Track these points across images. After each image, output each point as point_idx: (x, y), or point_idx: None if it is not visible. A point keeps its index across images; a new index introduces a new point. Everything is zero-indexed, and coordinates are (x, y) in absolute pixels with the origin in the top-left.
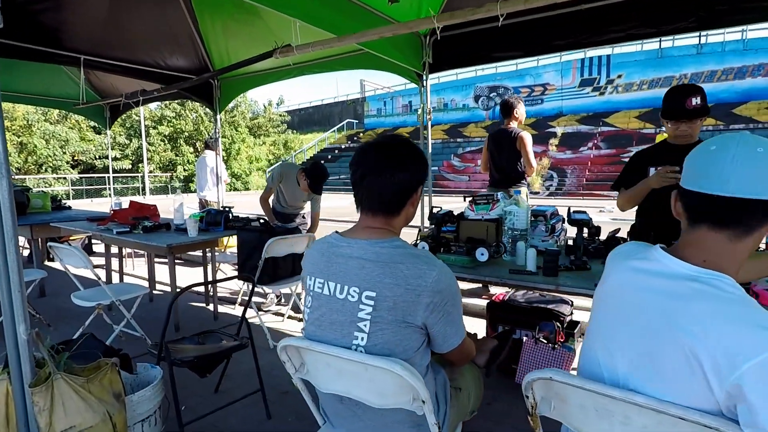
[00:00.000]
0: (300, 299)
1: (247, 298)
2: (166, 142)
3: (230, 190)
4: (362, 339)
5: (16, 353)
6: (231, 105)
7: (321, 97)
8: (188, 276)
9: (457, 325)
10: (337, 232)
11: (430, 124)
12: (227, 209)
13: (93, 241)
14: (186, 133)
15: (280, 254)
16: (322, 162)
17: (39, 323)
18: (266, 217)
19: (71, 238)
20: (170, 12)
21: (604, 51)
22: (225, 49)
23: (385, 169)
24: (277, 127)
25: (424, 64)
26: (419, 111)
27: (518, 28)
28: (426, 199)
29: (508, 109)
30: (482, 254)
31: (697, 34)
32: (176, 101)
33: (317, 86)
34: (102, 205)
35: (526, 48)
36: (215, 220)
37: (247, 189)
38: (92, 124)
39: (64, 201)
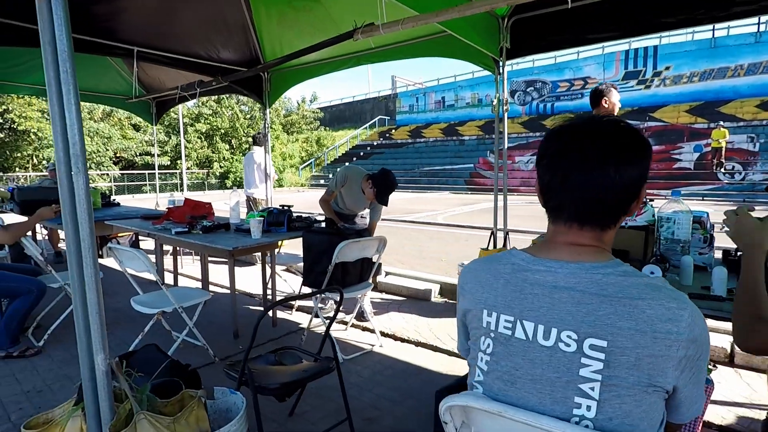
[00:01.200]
0: (367, 307)
1: (312, 305)
2: (203, 139)
3: None
4: (589, 409)
5: (93, 387)
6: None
7: (352, 93)
8: (241, 277)
9: (702, 386)
10: (521, 249)
11: (506, 116)
12: (287, 208)
13: (140, 237)
14: (222, 131)
15: (351, 258)
16: (388, 172)
17: None
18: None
19: (119, 235)
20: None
21: (650, 41)
22: (278, 39)
23: (606, 164)
24: (310, 124)
25: (501, 50)
26: (494, 102)
27: (612, 4)
28: (462, 196)
29: (596, 97)
30: (652, 274)
31: (757, 20)
32: (213, 98)
33: (348, 83)
34: (143, 201)
35: (624, 28)
36: (278, 221)
37: (281, 186)
38: (134, 121)
39: (112, 198)
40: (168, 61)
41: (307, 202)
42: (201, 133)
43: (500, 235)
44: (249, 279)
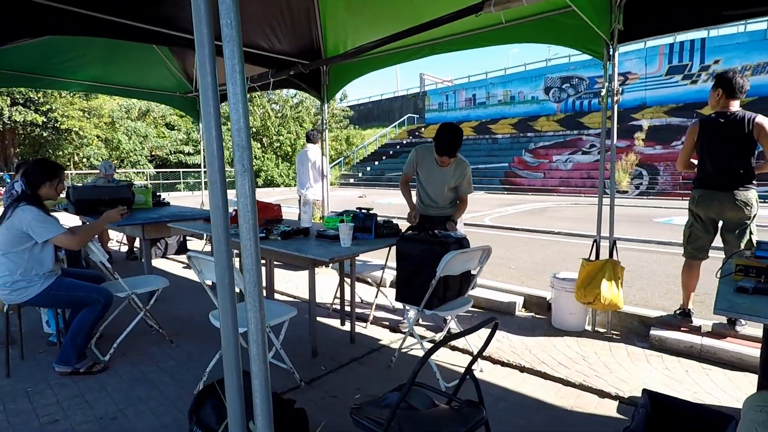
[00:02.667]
0: (453, 323)
1: (389, 318)
2: None
3: (295, 185)
4: None
5: None
6: (296, 101)
7: (380, 92)
8: (299, 284)
9: None
10: None
11: (616, 108)
12: (371, 212)
13: (187, 238)
14: (253, 129)
15: (455, 272)
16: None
17: (161, 338)
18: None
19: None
20: None
21: (698, 34)
22: (343, 26)
23: None
24: (340, 122)
25: (613, 33)
26: (603, 92)
27: None
28: (500, 196)
29: (732, 87)
30: None
31: None
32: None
33: (376, 81)
34: (178, 199)
35: None
36: (364, 226)
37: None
38: (168, 120)
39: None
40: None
41: (344, 199)
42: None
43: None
44: (304, 284)
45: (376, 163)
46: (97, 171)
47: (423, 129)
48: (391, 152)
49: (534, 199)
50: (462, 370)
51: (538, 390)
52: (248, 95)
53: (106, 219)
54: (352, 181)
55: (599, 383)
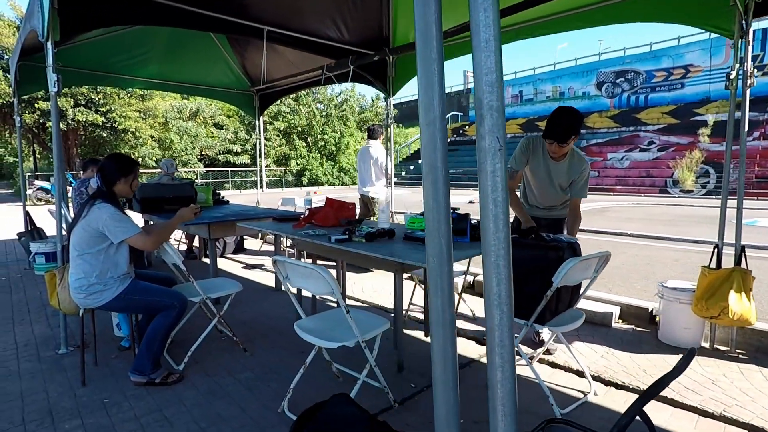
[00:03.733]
0: (547, 336)
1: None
2: (281, 137)
3: (339, 184)
4: None
5: None
6: (340, 99)
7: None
8: (363, 286)
9: None
10: None
11: (748, 94)
12: (462, 212)
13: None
14: (299, 128)
15: (572, 282)
16: None
17: (233, 345)
18: (519, 217)
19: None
20: None
21: None
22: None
23: None
24: (383, 121)
25: (748, 5)
26: (732, 74)
27: None
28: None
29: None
30: None
31: None
32: (291, 96)
33: (414, 80)
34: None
35: None
36: (458, 228)
37: (354, 184)
38: (217, 120)
39: (223, 196)
40: (293, 41)
41: (398, 199)
42: (279, 131)
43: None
44: (371, 288)
45: (419, 161)
46: (159, 170)
47: (467, 127)
48: None
49: (590, 199)
50: (570, 392)
51: (671, 421)
52: (295, 94)
53: (180, 218)
54: (396, 180)
55: (745, 415)
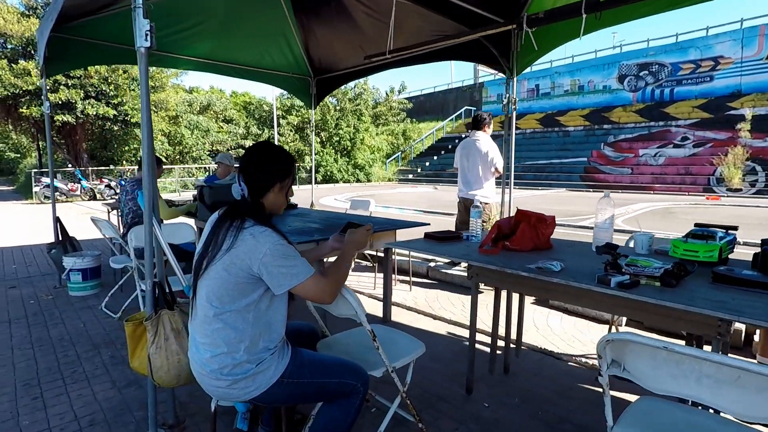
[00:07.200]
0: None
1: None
2: (294, 132)
3: (354, 181)
4: None
5: None
6: (354, 93)
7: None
8: (415, 296)
9: None
10: None
11: None
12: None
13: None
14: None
15: None
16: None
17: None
18: None
19: None
20: None
21: None
22: None
23: None
24: (397, 115)
25: None
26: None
27: None
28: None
29: None
30: None
31: None
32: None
33: (426, 74)
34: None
35: None
36: None
37: (369, 181)
38: (228, 114)
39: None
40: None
41: (430, 199)
42: (293, 126)
43: None
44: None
45: (435, 157)
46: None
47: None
48: (450, 146)
49: (638, 198)
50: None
51: None
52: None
53: (355, 246)
54: (411, 176)
55: None
